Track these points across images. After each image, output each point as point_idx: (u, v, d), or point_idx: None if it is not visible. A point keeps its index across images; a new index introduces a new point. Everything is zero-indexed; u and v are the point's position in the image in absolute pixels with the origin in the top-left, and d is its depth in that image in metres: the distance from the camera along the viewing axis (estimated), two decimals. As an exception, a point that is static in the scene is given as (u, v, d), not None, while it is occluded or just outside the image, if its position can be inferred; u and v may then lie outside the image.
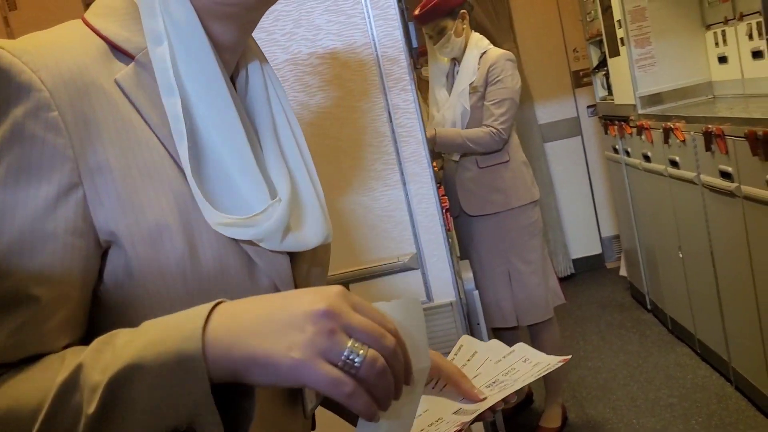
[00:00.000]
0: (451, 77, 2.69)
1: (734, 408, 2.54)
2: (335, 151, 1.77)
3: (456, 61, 2.66)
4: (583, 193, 4.51)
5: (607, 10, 3.35)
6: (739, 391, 2.61)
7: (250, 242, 0.66)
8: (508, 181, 2.57)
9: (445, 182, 2.74)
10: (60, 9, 1.83)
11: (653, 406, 2.69)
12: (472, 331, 2.11)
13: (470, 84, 2.55)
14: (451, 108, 2.61)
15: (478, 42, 2.60)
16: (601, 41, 3.56)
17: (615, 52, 3.35)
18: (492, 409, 0.78)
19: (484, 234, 2.61)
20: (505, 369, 0.83)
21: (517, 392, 2.53)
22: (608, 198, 4.36)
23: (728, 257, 2.51)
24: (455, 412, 0.78)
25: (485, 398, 0.77)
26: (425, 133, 1.78)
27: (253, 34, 1.67)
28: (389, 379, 0.51)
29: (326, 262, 0.82)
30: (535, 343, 2.67)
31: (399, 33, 1.69)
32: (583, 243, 4.55)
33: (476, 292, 2.15)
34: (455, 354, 0.88)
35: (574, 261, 4.54)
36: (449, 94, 2.65)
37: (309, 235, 0.72)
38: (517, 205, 2.57)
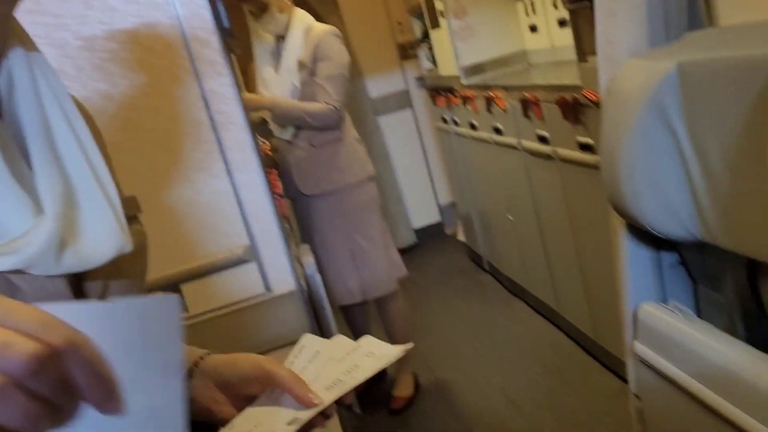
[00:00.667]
0: (276, 55, 2.60)
1: (567, 353, 2.74)
2: (148, 144, 1.62)
3: (281, 38, 2.57)
4: (418, 164, 4.62)
5: (425, -18, 3.41)
6: (569, 337, 2.82)
7: (18, 271, 0.56)
8: (343, 159, 2.56)
9: (279, 164, 2.66)
10: None
11: (498, 363, 2.84)
12: (317, 316, 2.07)
13: (298, 61, 2.49)
14: (279, 86, 2.53)
15: (303, 17, 2.55)
16: (422, 14, 3.62)
17: (435, 24, 3.42)
18: (325, 414, 0.73)
19: (324, 213, 2.58)
20: (349, 367, 0.78)
21: None
22: (442, 167, 4.51)
23: (551, 216, 2.68)
24: (290, 423, 0.73)
25: (320, 403, 0.73)
26: (249, 114, 1.68)
27: (36, 18, 1.44)
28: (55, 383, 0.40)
29: (138, 271, 0.73)
30: (383, 315, 2.71)
31: (207, 12, 1.57)
32: (422, 213, 4.68)
33: (318, 277, 2.10)
34: (295, 356, 0.82)
35: (416, 231, 4.66)
36: (276, 72, 2.57)
37: (96, 248, 0.63)
38: (354, 182, 2.57)
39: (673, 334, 1.23)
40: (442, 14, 3.28)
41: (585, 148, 2.21)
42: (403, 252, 3.29)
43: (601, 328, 2.51)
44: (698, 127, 1.08)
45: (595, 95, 2.04)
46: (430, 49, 3.73)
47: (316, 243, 2.60)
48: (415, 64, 4.39)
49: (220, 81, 1.63)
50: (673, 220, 1.18)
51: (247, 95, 2.51)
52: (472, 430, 2.44)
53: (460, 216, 4.04)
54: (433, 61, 3.72)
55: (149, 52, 1.57)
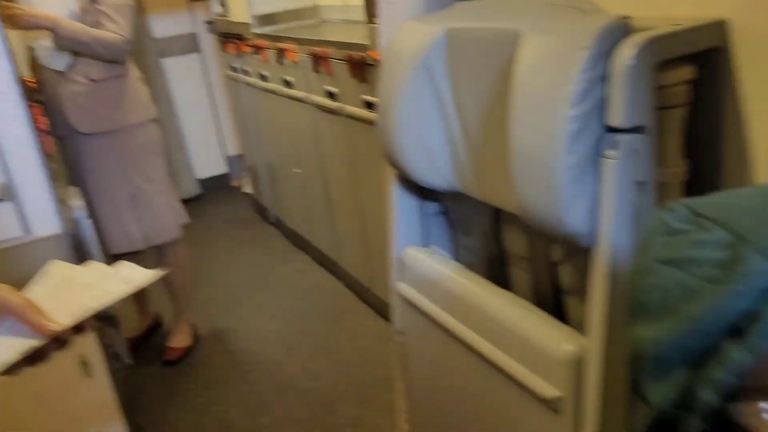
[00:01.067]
0: None
1: (345, 302, 2.89)
2: None
3: None
4: (205, 112, 4.47)
5: None
6: (348, 288, 2.98)
7: None
8: (124, 97, 2.39)
9: (46, 99, 2.41)
10: None
11: (277, 311, 2.91)
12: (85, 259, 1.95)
13: None
14: (52, 8, 2.25)
15: None
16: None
17: (228, -32, 3.30)
18: (59, 338, 0.72)
19: (101, 154, 2.40)
20: (99, 293, 0.76)
21: (146, 317, 2.40)
22: (231, 117, 4.41)
23: (336, 171, 2.78)
24: (20, 351, 0.70)
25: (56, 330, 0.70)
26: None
27: None
28: None
29: None
30: (164, 263, 2.62)
31: None
32: (208, 163, 4.55)
33: (88, 221, 1.98)
34: (37, 283, 0.78)
35: (200, 181, 4.53)
36: None
37: None
38: (137, 122, 2.42)
39: (431, 274, 1.38)
40: (234, -43, 3.17)
41: (369, 105, 2.31)
42: (186, 202, 3.18)
43: (376, 278, 2.68)
44: (459, 89, 1.20)
45: (379, 56, 2.14)
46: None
47: (88, 187, 2.42)
48: (204, 6, 4.19)
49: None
50: (435, 172, 1.30)
51: (26, 9, 2.20)
52: (247, 375, 2.49)
53: (248, 168, 4.01)
54: (223, 6, 3.60)
55: None
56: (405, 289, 1.47)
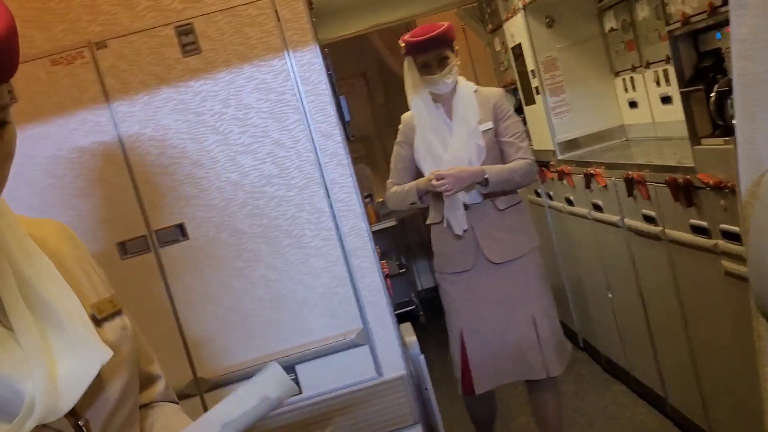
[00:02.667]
0: (436, 116, 2.44)
1: (676, 444, 2.59)
2: (273, 230, 1.70)
3: (439, 98, 2.44)
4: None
5: (519, 59, 3.46)
6: (677, 426, 2.67)
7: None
8: (524, 222, 2.49)
9: (440, 233, 2.50)
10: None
11: (599, 450, 2.71)
12: (421, 397, 2.06)
13: (477, 121, 2.41)
14: (464, 147, 2.39)
15: (463, 79, 2.50)
16: (515, 89, 3.67)
17: (530, 101, 3.45)
18: None
19: (508, 281, 2.41)
20: None
21: None
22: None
23: (657, 297, 2.59)
24: None
25: None
26: (366, 204, 1.74)
27: (180, 116, 1.57)
28: None
29: (124, 358, 0.79)
30: (540, 402, 2.51)
31: (331, 108, 1.66)
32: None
33: (422, 357, 2.10)
34: None
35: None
36: (449, 134, 2.43)
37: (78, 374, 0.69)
38: (536, 246, 2.50)
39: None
40: (537, 91, 3.31)
41: (698, 230, 2.14)
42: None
43: (717, 421, 2.36)
44: None
45: (711, 179, 1.99)
46: (524, 122, 3.75)
47: (486, 313, 2.43)
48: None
49: (340, 171, 1.70)
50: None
51: (459, 168, 2.33)
52: None
53: (552, 289, 3.96)
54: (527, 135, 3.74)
55: (278, 146, 1.66)
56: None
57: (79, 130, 1.63)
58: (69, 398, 0.67)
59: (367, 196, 4.65)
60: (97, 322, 0.77)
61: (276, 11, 1.62)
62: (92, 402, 0.72)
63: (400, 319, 2.84)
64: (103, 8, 1.59)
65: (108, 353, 0.72)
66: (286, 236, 1.68)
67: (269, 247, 1.69)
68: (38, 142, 1.61)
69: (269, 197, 1.67)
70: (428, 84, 2.40)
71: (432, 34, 2.36)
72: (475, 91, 2.47)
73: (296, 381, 1.73)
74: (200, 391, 1.76)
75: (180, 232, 1.68)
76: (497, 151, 2.43)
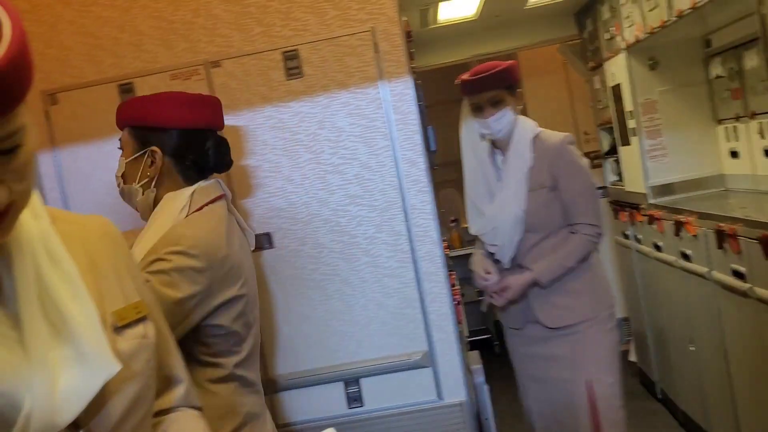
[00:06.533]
0: (490, 165, 2.26)
1: None
2: (352, 247, 1.79)
3: (496, 145, 2.24)
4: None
5: (618, 99, 3.42)
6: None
7: None
8: (590, 283, 2.24)
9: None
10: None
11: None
12: (481, 427, 2.08)
13: (524, 172, 2.16)
14: (507, 208, 2.16)
15: (525, 123, 2.22)
16: (611, 128, 3.62)
17: (626, 141, 3.40)
18: None
19: (565, 343, 2.20)
20: None
21: None
22: (616, 280, 4.34)
23: (742, 356, 2.48)
24: None
25: None
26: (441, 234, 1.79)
27: (278, 134, 1.70)
28: None
29: (139, 371, 0.78)
30: None
31: (419, 137, 1.74)
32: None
33: (486, 386, 2.13)
34: None
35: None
36: (499, 183, 2.22)
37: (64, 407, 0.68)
38: (603, 310, 2.26)
39: None
40: (634, 132, 3.26)
41: (788, 292, 2.06)
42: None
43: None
44: None
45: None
46: (617, 162, 3.69)
47: (538, 374, 2.27)
48: (598, 173, 4.35)
49: (421, 198, 1.77)
50: None
51: (506, 283, 2.15)
52: None
53: (633, 334, 3.85)
54: (619, 175, 3.68)
55: (365, 168, 1.76)
56: None
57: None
58: (68, 412, 0.67)
59: (453, 221, 4.68)
60: (117, 329, 0.76)
61: (375, 43, 1.72)
62: (96, 414, 0.71)
63: (473, 346, 2.87)
64: (220, 32, 1.76)
65: (115, 368, 0.71)
66: (364, 254, 1.77)
67: (347, 263, 1.78)
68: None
69: (351, 216, 1.76)
70: (479, 127, 2.17)
71: (484, 74, 2.12)
72: (537, 135, 2.20)
73: (359, 393, 1.80)
74: (268, 392, 1.87)
75: (267, 240, 1.81)
76: (556, 207, 2.17)
